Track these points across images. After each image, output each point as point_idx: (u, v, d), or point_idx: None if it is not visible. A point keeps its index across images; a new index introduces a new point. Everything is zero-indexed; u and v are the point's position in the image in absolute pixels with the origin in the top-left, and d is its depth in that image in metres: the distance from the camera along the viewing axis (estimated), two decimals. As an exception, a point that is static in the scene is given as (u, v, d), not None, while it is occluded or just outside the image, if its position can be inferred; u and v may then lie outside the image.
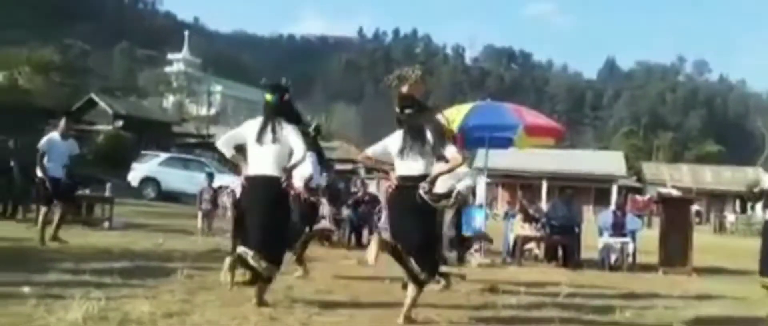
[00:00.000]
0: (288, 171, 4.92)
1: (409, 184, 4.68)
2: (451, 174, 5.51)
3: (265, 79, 5.36)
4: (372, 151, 5.05)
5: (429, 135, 4.72)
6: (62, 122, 8.23)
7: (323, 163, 6.64)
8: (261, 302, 4.76)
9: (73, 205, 8.32)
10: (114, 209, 11.42)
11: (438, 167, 4.78)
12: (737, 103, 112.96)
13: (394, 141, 4.86)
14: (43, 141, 7.95)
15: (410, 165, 4.72)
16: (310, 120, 9.91)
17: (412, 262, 4.54)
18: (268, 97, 5.03)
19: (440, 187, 5.66)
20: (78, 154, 8.51)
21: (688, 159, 55.71)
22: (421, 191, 4.59)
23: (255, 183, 4.90)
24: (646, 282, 8.26)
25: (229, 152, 5.19)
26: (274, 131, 4.88)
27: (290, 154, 4.90)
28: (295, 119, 5.08)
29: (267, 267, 4.70)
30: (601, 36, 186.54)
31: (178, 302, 4.69)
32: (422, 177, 4.67)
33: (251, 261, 4.66)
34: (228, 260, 4.70)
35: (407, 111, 4.87)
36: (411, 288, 4.59)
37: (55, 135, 8.00)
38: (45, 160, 7.83)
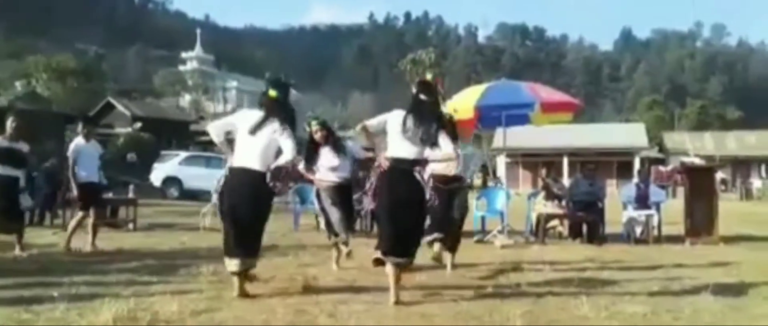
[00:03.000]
0: (273, 172, 4.87)
1: (402, 166, 4.77)
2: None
3: (269, 73, 5.34)
4: (370, 123, 5.07)
5: (433, 126, 4.78)
6: (80, 126, 8.28)
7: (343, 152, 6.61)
8: (242, 292, 4.86)
9: (102, 211, 8.35)
10: (138, 210, 11.53)
11: (431, 153, 4.85)
12: (758, 66, 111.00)
13: (394, 119, 4.89)
14: (71, 148, 7.96)
15: (408, 148, 4.80)
16: (321, 112, 9.90)
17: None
18: (272, 93, 5.02)
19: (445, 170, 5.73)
20: (101, 157, 8.55)
21: (714, 127, 54.70)
22: (416, 174, 4.73)
23: (239, 176, 4.91)
24: (673, 254, 8.19)
25: (218, 138, 5.21)
26: (265, 126, 4.88)
27: (277, 153, 4.91)
28: (290, 120, 5.01)
29: (246, 262, 4.87)
30: (615, 6, 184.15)
31: (206, 299, 4.74)
32: (416, 162, 4.79)
33: (236, 269, 4.83)
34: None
35: (423, 97, 4.90)
36: (390, 268, 4.79)
37: (80, 140, 8.05)
38: (76, 166, 7.87)
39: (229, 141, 5.18)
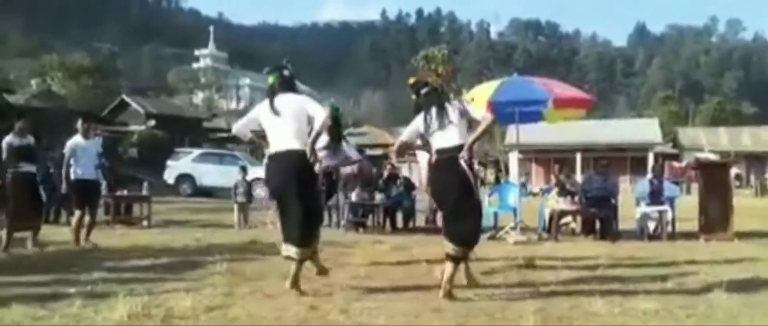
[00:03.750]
0: (313, 139, 4.92)
1: (446, 156, 4.85)
2: None
3: (267, 68, 5.41)
4: (405, 135, 5.22)
5: (450, 108, 4.92)
6: (79, 123, 8.29)
7: (339, 145, 6.59)
8: (296, 285, 4.87)
9: (95, 210, 8.41)
10: (152, 207, 11.63)
11: (472, 135, 4.96)
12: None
13: (418, 122, 5.06)
14: (68, 145, 8.05)
15: (443, 137, 4.90)
16: (335, 103, 9.90)
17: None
18: (271, 78, 5.12)
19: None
20: (114, 154, 8.64)
21: (730, 123, 54.07)
22: (461, 161, 4.76)
23: (279, 160, 4.92)
24: (687, 250, 8.13)
25: (245, 137, 5.35)
26: (284, 105, 4.92)
27: (309, 123, 4.95)
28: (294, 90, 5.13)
29: (305, 251, 4.89)
30: (629, 0, 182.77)
31: (219, 295, 4.77)
32: (458, 147, 4.84)
33: (295, 257, 4.85)
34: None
35: (422, 91, 5.10)
36: (448, 265, 4.81)
37: (77, 137, 8.11)
38: (73, 163, 7.95)
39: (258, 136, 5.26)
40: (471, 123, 4.97)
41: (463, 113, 4.95)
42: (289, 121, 4.89)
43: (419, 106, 5.12)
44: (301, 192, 4.82)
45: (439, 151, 4.90)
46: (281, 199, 4.96)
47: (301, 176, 4.86)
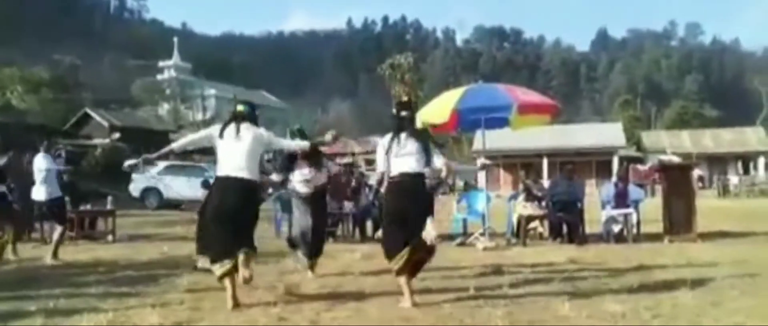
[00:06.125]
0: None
1: (407, 179, 4.98)
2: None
3: (235, 95, 5.56)
4: (380, 165, 5.23)
5: (420, 143, 5.08)
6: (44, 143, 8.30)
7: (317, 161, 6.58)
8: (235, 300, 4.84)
9: (64, 225, 8.38)
10: (117, 221, 11.40)
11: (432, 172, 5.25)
12: (733, 63, 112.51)
13: (385, 143, 5.19)
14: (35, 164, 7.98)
15: (406, 162, 5.02)
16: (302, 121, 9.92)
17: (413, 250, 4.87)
18: (240, 107, 5.29)
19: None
20: (72, 169, 8.58)
21: (692, 126, 55.16)
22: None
23: (229, 183, 4.96)
24: (652, 252, 8.27)
25: (179, 149, 5.50)
26: (246, 132, 5.05)
27: (261, 162, 5.16)
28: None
29: (248, 252, 4.91)
30: (591, 6, 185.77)
31: (186, 310, 4.70)
32: (419, 175, 5.02)
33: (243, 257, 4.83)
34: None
35: (403, 113, 5.22)
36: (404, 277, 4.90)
37: (41, 156, 8.05)
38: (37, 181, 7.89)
39: (191, 151, 5.36)
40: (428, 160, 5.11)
41: (426, 150, 5.08)
42: (244, 148, 4.99)
43: (395, 123, 5.24)
44: (249, 212, 5.00)
45: (402, 174, 5.01)
46: (225, 214, 4.90)
47: (247, 203, 4.98)
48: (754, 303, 4.81)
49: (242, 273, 4.78)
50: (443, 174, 5.62)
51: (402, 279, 4.87)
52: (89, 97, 48.93)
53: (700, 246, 8.88)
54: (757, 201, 25.31)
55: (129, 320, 4.33)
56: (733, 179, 36.79)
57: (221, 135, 5.06)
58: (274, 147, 5.40)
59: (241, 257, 4.78)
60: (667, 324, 4.23)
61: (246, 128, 5.07)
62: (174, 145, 5.49)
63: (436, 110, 9.63)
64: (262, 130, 5.18)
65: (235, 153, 4.99)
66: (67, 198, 10.28)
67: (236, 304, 4.79)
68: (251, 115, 5.23)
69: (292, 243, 6.61)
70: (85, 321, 4.15)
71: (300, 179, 6.44)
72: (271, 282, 5.84)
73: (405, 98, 5.66)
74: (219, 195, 4.98)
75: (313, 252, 6.42)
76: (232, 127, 5.07)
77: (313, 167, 6.42)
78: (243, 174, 4.94)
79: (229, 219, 4.87)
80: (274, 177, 6.62)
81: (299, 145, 5.78)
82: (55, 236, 8.07)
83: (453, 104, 9.47)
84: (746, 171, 41.08)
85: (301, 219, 6.45)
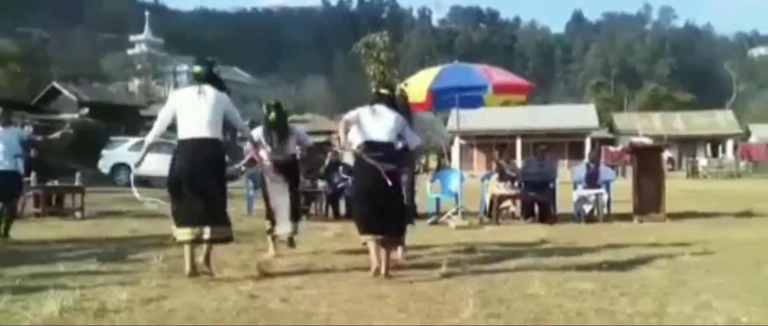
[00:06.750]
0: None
1: (375, 152, 5.00)
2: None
3: (195, 58, 5.48)
4: (348, 116, 5.24)
5: (395, 114, 5.21)
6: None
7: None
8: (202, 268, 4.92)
9: (16, 202, 8.16)
10: (86, 198, 11.23)
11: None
12: (704, 48, 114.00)
13: (364, 109, 5.22)
14: None
15: (377, 130, 5.09)
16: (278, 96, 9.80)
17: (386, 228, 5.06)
18: (196, 68, 5.17)
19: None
20: (44, 144, 8.32)
21: (664, 108, 55.89)
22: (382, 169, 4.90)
23: (191, 146, 4.90)
24: (622, 232, 8.39)
25: (156, 138, 5.42)
26: (205, 94, 4.95)
27: (223, 117, 5.03)
28: (220, 88, 5.15)
29: (219, 231, 4.93)
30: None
31: (156, 287, 4.64)
32: (389, 145, 5.11)
33: (208, 237, 4.86)
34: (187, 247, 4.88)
35: (383, 91, 5.42)
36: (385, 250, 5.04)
37: None
38: None
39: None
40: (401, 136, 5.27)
41: (402, 126, 5.22)
42: (205, 110, 4.90)
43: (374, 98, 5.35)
44: (214, 175, 4.93)
45: (369, 144, 5.04)
46: (189, 180, 4.86)
47: (213, 165, 4.94)
48: (720, 282, 4.90)
49: (203, 267, 4.91)
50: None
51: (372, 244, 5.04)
52: (58, 71, 47.98)
53: (668, 226, 9.03)
54: (724, 182, 25.85)
55: (97, 297, 4.26)
56: (702, 161, 37.50)
57: (181, 99, 5.01)
58: (233, 122, 5.20)
59: (205, 241, 4.85)
60: (635, 301, 4.28)
61: (208, 88, 4.98)
62: (149, 139, 5.35)
63: (413, 89, 9.60)
64: (224, 94, 5.07)
65: (198, 109, 4.89)
66: (32, 174, 10.11)
67: (194, 272, 4.82)
68: (211, 76, 5.11)
69: (272, 220, 6.44)
70: (52, 298, 4.06)
71: (267, 150, 6.31)
72: (242, 260, 5.80)
73: (403, 85, 5.87)
74: (182, 160, 4.91)
75: (293, 217, 6.25)
76: (192, 88, 5.01)
77: (280, 136, 6.27)
78: (207, 131, 4.86)
79: (194, 185, 4.81)
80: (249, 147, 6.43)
81: (252, 137, 5.84)
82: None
83: (428, 83, 9.45)
84: (715, 153, 41.85)
85: (273, 192, 6.29)
